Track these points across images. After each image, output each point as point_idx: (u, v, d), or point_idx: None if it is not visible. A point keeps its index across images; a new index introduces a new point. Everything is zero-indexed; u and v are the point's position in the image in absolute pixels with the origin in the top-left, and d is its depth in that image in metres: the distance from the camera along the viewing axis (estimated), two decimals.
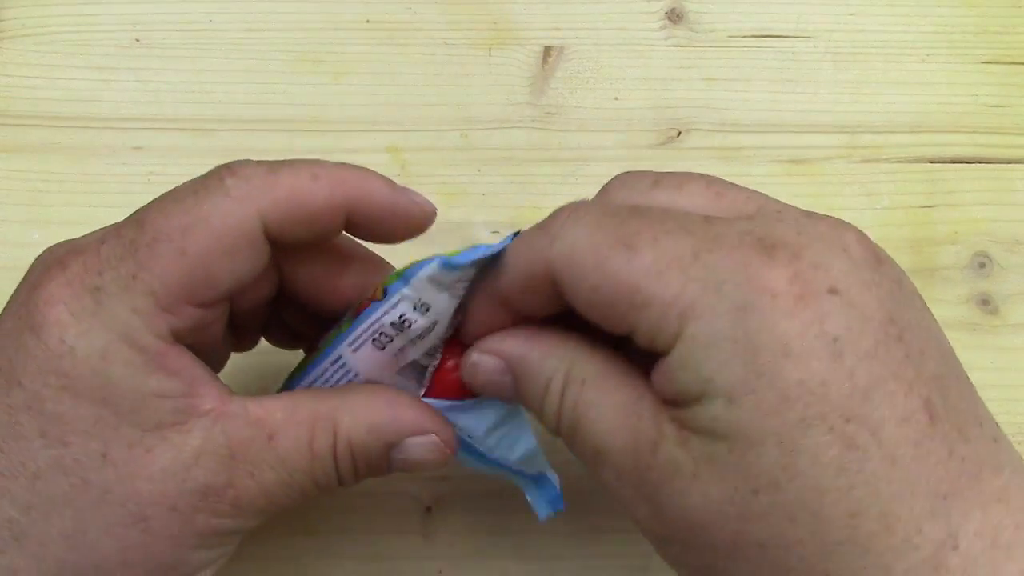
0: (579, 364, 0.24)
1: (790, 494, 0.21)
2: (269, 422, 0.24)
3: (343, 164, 0.25)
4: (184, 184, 0.25)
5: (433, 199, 0.26)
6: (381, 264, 0.28)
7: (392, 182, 0.26)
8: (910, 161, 0.39)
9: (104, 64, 0.39)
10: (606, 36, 0.40)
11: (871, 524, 0.21)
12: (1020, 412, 0.36)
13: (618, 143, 0.39)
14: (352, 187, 0.25)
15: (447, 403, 0.27)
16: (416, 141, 0.38)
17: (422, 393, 0.27)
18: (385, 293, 0.25)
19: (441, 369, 0.27)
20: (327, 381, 0.27)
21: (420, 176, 0.38)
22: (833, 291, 0.21)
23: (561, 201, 0.25)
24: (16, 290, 0.25)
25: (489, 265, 0.25)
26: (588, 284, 0.23)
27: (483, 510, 0.34)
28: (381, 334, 0.26)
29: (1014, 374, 0.36)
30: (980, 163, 0.39)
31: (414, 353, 0.26)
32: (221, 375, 0.26)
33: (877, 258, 0.23)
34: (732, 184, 0.25)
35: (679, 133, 0.39)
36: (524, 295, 0.25)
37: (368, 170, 0.26)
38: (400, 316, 0.25)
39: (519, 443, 0.27)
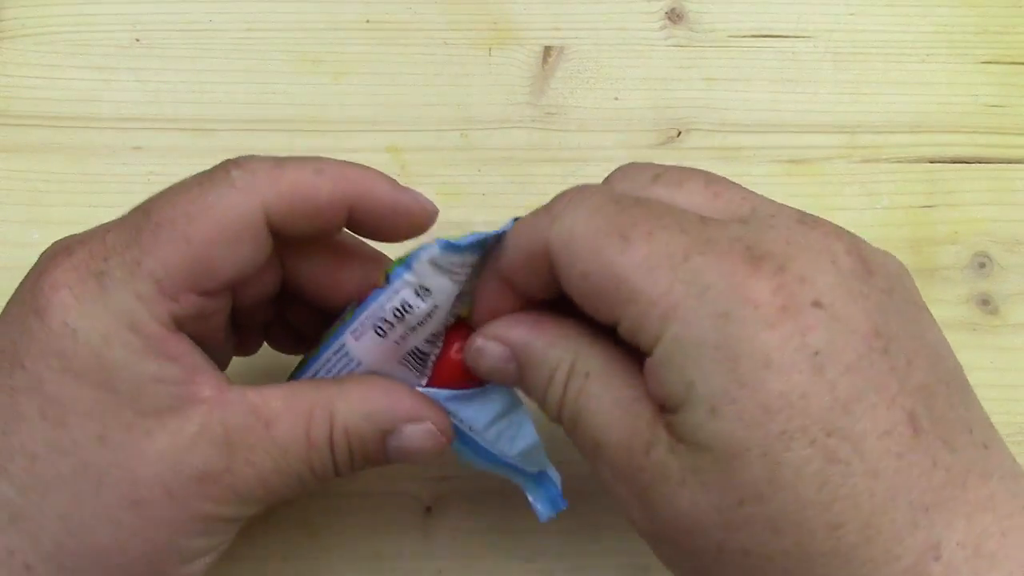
0: (584, 356, 0.24)
1: (774, 506, 0.21)
2: (266, 410, 0.25)
3: (348, 162, 0.26)
4: (191, 176, 0.25)
5: (433, 199, 0.27)
6: (383, 261, 0.28)
7: (395, 181, 0.26)
8: (910, 161, 0.39)
9: (104, 64, 0.39)
10: (606, 36, 0.40)
11: (853, 536, 0.21)
12: (1020, 412, 0.36)
13: (618, 143, 0.39)
14: (355, 183, 0.25)
15: (449, 393, 0.27)
16: (416, 141, 0.38)
17: (425, 382, 0.27)
18: (387, 279, 0.26)
19: (445, 355, 0.27)
20: (329, 371, 0.27)
21: (420, 176, 0.38)
22: (817, 304, 0.21)
23: None
24: (23, 278, 0.25)
25: (494, 248, 0.25)
26: (579, 270, 0.23)
27: (483, 510, 0.34)
28: (383, 320, 0.26)
29: (1014, 374, 0.36)
30: (980, 163, 0.39)
31: (415, 340, 0.26)
32: None
33: (867, 269, 0.23)
34: (731, 183, 0.25)
35: (679, 133, 0.39)
36: (525, 275, 0.25)
37: (372, 168, 0.26)
38: (402, 302, 0.25)
39: (520, 437, 0.27)
